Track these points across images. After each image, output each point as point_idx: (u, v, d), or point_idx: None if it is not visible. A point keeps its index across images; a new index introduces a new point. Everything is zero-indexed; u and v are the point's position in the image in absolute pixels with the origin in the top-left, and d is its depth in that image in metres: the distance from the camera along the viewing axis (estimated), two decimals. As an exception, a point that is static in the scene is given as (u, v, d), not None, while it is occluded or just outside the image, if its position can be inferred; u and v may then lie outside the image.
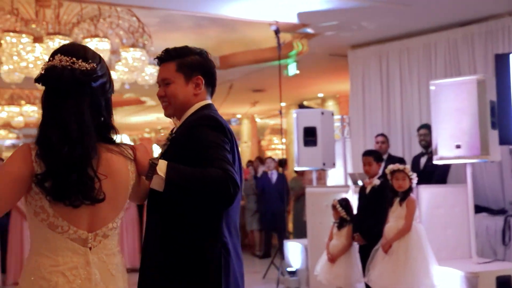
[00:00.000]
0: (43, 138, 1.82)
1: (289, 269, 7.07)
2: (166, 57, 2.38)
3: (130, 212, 8.23)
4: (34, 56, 7.01)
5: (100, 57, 1.99)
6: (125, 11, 7.46)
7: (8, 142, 20.82)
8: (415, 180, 5.09)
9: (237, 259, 2.27)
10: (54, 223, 1.82)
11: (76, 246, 1.84)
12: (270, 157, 10.26)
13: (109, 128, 1.97)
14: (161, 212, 2.22)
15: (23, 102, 12.21)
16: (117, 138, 2.01)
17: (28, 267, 1.86)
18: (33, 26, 6.84)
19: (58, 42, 6.50)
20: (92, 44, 6.89)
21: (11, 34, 6.50)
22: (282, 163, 10.00)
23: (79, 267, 1.83)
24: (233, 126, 17.03)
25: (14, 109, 12.14)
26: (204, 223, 2.19)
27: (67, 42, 6.59)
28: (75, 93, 1.85)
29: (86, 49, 1.96)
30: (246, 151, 17.45)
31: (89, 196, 1.81)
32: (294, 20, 7.63)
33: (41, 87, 1.91)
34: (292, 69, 9.64)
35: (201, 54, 2.41)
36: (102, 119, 1.94)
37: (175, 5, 7.53)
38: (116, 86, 8.18)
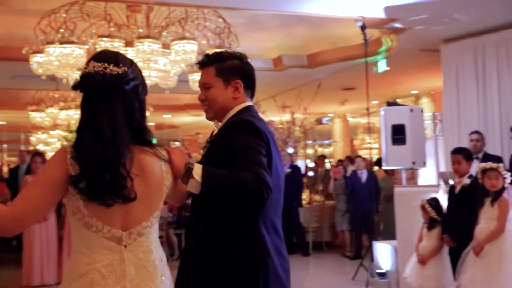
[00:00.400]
0: (77, 141, 1.91)
1: (378, 271, 6.90)
2: (206, 62, 2.44)
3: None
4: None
5: (131, 61, 2.05)
6: (211, 12, 7.62)
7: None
8: (508, 179, 4.80)
9: (278, 256, 2.28)
10: (89, 223, 1.90)
11: (111, 244, 1.91)
12: (359, 156, 10.07)
13: (143, 129, 2.03)
14: (202, 212, 2.28)
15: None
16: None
17: (69, 264, 1.95)
18: (126, 30, 7.14)
19: (147, 45, 6.75)
20: (180, 46, 7.10)
21: (105, 39, 6.82)
22: (379, 162, 9.75)
23: (114, 264, 1.89)
24: (324, 126, 16.92)
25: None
26: (240, 224, 2.23)
27: (156, 45, 6.86)
28: (107, 97, 1.92)
29: (117, 54, 2.02)
30: (337, 150, 17.27)
31: (121, 195, 1.88)
32: (381, 15, 7.44)
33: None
34: (382, 66, 9.40)
35: (241, 58, 2.46)
36: (136, 121, 1.99)
37: (261, 5, 7.59)
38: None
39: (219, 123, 2.44)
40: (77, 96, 13.01)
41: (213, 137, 2.38)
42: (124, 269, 1.89)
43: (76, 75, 8.28)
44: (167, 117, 17.79)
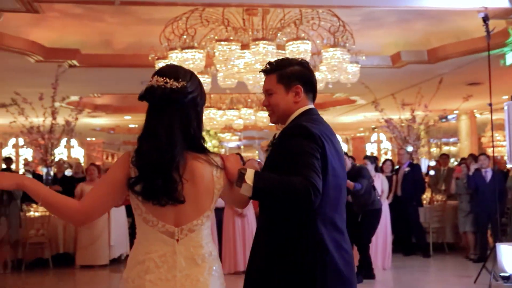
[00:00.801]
0: (138, 146, 2.16)
1: (502, 274, 6.57)
2: (268, 70, 2.58)
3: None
4: (244, 62, 7.62)
5: (191, 75, 2.26)
6: (326, 12, 7.67)
7: (232, 144, 22.63)
8: None
9: (338, 250, 2.40)
10: (147, 218, 2.16)
11: (165, 237, 2.15)
12: (483, 154, 9.57)
13: (199, 138, 2.23)
14: (266, 213, 2.47)
15: (240, 106, 13.22)
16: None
17: (131, 252, 2.24)
18: (242, 33, 7.41)
19: (262, 47, 6.95)
20: (294, 46, 7.23)
21: (222, 43, 7.13)
22: None
23: (167, 255, 2.14)
24: (450, 123, 16.24)
25: (234, 112, 13.18)
26: (298, 223, 2.36)
27: (271, 47, 7.04)
28: (167, 108, 2.16)
29: (178, 69, 2.25)
30: (463, 148, 16.51)
31: (172, 197, 2.12)
32: (506, 4, 7.06)
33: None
34: (510, 58, 8.91)
35: (301, 64, 2.58)
36: (192, 130, 2.20)
37: (377, 1, 7.52)
38: (321, 86, 8.50)
39: (282, 126, 2.56)
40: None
41: (274, 141, 2.52)
42: (175, 260, 2.14)
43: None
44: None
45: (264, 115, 13.86)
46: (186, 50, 7.38)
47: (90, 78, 10.72)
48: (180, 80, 2.18)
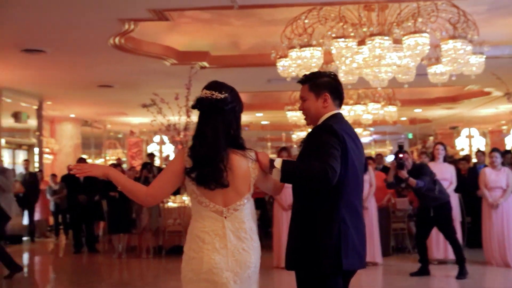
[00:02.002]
0: (192, 143, 2.82)
1: None
2: (302, 80, 3.18)
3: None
4: (362, 57, 7.78)
5: (232, 89, 2.89)
6: (445, 3, 7.57)
7: (365, 140, 22.50)
8: None
9: (355, 231, 2.96)
10: (200, 200, 2.80)
11: (215, 215, 2.78)
12: None
13: (237, 137, 2.86)
14: (299, 200, 3.04)
15: (368, 100, 13.25)
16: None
17: (189, 229, 2.86)
18: (358, 29, 7.57)
19: (378, 42, 7.07)
20: (412, 40, 7.25)
21: (339, 40, 7.35)
22: None
23: (218, 229, 2.76)
24: None
25: (361, 107, 13.25)
26: (325, 207, 2.92)
27: (387, 42, 7.13)
28: (213, 114, 2.81)
29: (221, 84, 2.89)
30: None
31: (219, 182, 2.74)
32: None
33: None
34: None
35: (330, 76, 3.15)
36: (232, 131, 2.83)
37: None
38: (445, 78, 8.39)
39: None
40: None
41: (304, 139, 3.10)
42: (225, 233, 2.76)
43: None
44: (418, 111, 17.65)
45: (392, 110, 13.77)
46: (304, 48, 7.69)
47: (220, 78, 11.16)
48: (223, 92, 2.82)
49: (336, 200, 2.91)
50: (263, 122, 20.23)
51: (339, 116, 3.10)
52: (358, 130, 18.73)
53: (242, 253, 2.76)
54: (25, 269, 10.00)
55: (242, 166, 2.83)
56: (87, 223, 10.91)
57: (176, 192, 11.14)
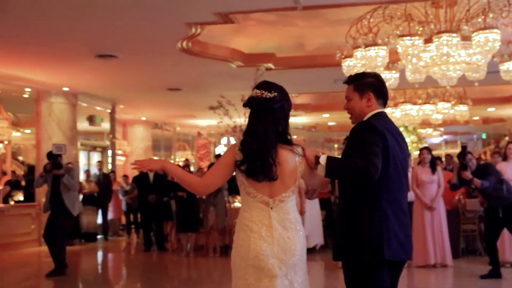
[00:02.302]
0: (243, 139, 3.02)
1: None
2: (347, 81, 3.32)
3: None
4: (430, 55, 7.65)
5: (281, 88, 3.06)
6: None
7: (435, 140, 21.97)
8: None
9: (400, 226, 3.09)
10: (249, 191, 2.98)
11: (262, 206, 2.96)
12: None
13: (286, 134, 3.03)
14: (345, 196, 3.20)
15: (437, 100, 12.96)
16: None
17: (238, 219, 3.05)
18: (425, 27, 7.45)
19: (445, 40, 6.94)
20: (481, 36, 7.07)
21: (404, 38, 7.27)
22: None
23: (264, 219, 2.94)
24: None
25: (430, 107, 12.99)
26: (368, 203, 3.06)
27: (455, 39, 7.00)
28: (262, 112, 2.99)
29: (271, 84, 3.06)
30: None
31: (267, 176, 2.93)
32: None
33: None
34: None
35: (374, 77, 3.29)
36: (280, 128, 3.00)
37: None
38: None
39: None
40: (397, 95, 13.63)
41: (348, 136, 3.25)
42: (271, 223, 2.94)
43: (383, 75, 8.95)
44: (492, 110, 17.06)
45: (463, 109, 13.41)
46: (369, 48, 7.66)
47: (286, 79, 11.46)
48: (272, 92, 2.99)
49: (378, 195, 3.06)
50: (330, 123, 20.15)
51: (382, 115, 3.23)
52: (427, 131, 18.35)
53: (287, 241, 2.92)
54: (99, 266, 10.46)
55: (290, 160, 2.99)
56: (157, 222, 11.25)
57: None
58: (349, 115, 3.32)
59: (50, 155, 8.36)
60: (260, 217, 2.94)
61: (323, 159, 2.98)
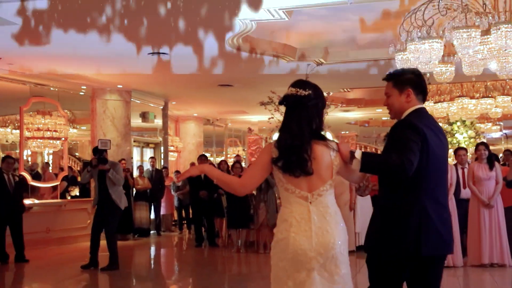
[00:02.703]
0: (279, 135, 3.11)
1: None
2: (387, 78, 3.42)
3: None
4: (488, 47, 7.41)
5: (315, 86, 3.14)
6: None
7: (495, 135, 21.31)
8: None
9: (439, 218, 3.18)
10: (287, 187, 3.05)
11: (301, 201, 3.03)
12: None
13: (320, 130, 3.12)
14: (383, 189, 3.28)
15: (496, 93, 12.56)
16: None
17: (279, 214, 3.14)
18: (483, 18, 7.20)
19: (504, 31, 6.69)
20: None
21: (461, 30, 7.05)
22: None
23: (304, 214, 3.01)
24: None
25: (489, 100, 12.59)
26: (407, 197, 3.16)
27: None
28: (297, 109, 3.07)
29: (305, 83, 3.15)
30: None
31: (304, 170, 3.00)
32: None
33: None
34: None
35: (413, 73, 3.38)
36: (315, 125, 3.08)
37: None
38: None
39: None
40: (454, 88, 13.32)
41: (388, 133, 3.32)
42: (310, 217, 3.00)
43: (438, 68, 8.73)
44: None
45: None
46: (424, 41, 7.47)
47: (338, 74, 11.40)
48: (307, 90, 3.08)
49: (417, 191, 3.15)
50: (384, 118, 19.85)
51: (422, 111, 3.32)
52: (486, 125, 17.81)
53: (325, 235, 2.99)
54: (152, 260, 10.67)
55: (325, 155, 3.07)
56: (208, 218, 11.38)
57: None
58: (389, 111, 3.42)
59: (96, 150, 8.61)
60: (299, 212, 3.01)
61: (358, 154, 3.07)
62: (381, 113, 18.49)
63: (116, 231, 8.67)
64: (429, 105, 13.26)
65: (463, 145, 13.67)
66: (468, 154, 9.57)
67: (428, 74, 9.19)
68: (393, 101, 3.34)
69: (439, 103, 13.03)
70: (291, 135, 3.03)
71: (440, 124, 16.00)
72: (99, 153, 8.51)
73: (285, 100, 3.12)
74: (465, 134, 15.30)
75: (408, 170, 3.01)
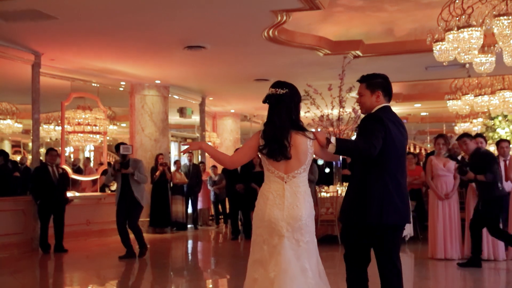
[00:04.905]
0: (264, 127, 3.76)
1: None
2: (360, 80, 4.07)
3: None
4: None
5: (291, 85, 3.79)
6: None
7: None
8: None
9: (397, 194, 3.89)
10: (269, 168, 3.75)
11: (279, 180, 3.71)
12: None
13: (298, 121, 3.75)
14: (354, 171, 4.05)
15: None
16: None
17: (260, 189, 3.81)
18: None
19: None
20: None
21: (501, 18, 6.88)
22: None
23: (280, 191, 3.69)
24: None
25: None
26: (373, 176, 3.87)
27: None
28: (277, 105, 3.74)
29: (283, 83, 3.80)
30: None
31: (284, 156, 3.67)
32: None
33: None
34: None
35: (383, 78, 4.05)
36: (294, 117, 3.72)
37: None
38: None
39: None
40: (495, 81, 12.98)
41: (359, 125, 4.00)
42: (284, 193, 3.68)
43: (478, 59, 8.53)
44: None
45: None
46: (462, 30, 7.31)
47: (375, 67, 11.22)
48: (284, 88, 3.76)
49: (380, 170, 3.85)
50: (423, 114, 19.52)
51: (387, 108, 4.00)
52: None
53: (295, 209, 3.66)
54: (189, 253, 10.76)
55: (302, 143, 3.70)
56: (244, 211, 11.40)
57: (330, 183, 11.23)
58: (360, 107, 4.09)
59: (117, 147, 8.90)
60: (276, 189, 3.69)
61: (333, 140, 3.70)
62: (420, 108, 18.19)
63: (136, 224, 8.97)
64: (469, 99, 12.99)
65: (505, 139, 13.31)
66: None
67: (467, 65, 9.01)
68: (365, 100, 3.99)
69: (479, 97, 12.72)
70: (274, 127, 3.69)
71: (481, 119, 15.74)
72: (122, 157, 8.77)
73: (268, 99, 3.77)
74: (507, 129, 14.91)
75: (373, 152, 3.72)
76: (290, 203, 3.64)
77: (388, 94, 4.02)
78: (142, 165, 9.08)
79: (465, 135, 8.04)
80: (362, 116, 4.09)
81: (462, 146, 7.78)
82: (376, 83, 3.97)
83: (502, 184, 7.53)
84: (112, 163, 8.97)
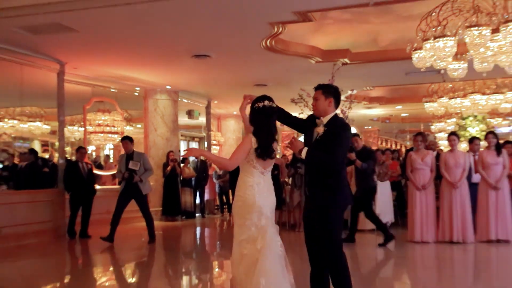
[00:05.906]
0: (260, 135, 3.97)
1: None
2: (317, 87, 4.20)
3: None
4: (497, 45, 7.19)
5: (271, 100, 4.03)
6: None
7: (505, 129, 20.67)
8: None
9: (346, 188, 4.24)
10: (255, 166, 3.99)
11: (260, 174, 4.01)
12: None
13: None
14: (311, 171, 4.23)
15: (506, 89, 12.20)
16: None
17: (242, 181, 4.02)
18: (493, 18, 7.00)
19: (511, 28, 6.48)
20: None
21: (472, 28, 6.87)
22: None
23: (261, 182, 4.00)
24: None
25: (499, 96, 12.24)
26: (332, 174, 4.08)
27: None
28: (266, 115, 4.00)
29: (268, 97, 4.04)
30: None
31: (271, 156, 4.01)
32: None
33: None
34: None
35: (335, 89, 4.19)
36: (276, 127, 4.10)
37: None
38: None
39: (321, 118, 4.16)
40: (467, 86, 12.94)
41: (326, 128, 4.07)
42: (264, 184, 4.01)
43: (452, 65, 8.52)
44: None
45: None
46: (438, 39, 7.30)
47: (360, 73, 11.25)
48: (270, 102, 4.02)
49: (340, 169, 4.11)
50: (403, 114, 19.51)
51: (338, 115, 4.22)
52: (497, 120, 17.27)
53: (272, 196, 4.06)
54: (197, 238, 10.74)
55: (276, 148, 4.11)
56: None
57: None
58: (314, 110, 4.19)
59: (124, 139, 9.05)
60: (258, 181, 3.99)
61: (304, 151, 4.01)
62: (401, 110, 18.18)
63: (147, 209, 8.99)
64: (444, 101, 12.98)
65: (475, 138, 13.30)
66: (481, 143, 9.33)
67: (442, 71, 8.99)
68: (320, 104, 4.12)
69: (453, 99, 12.72)
70: (269, 134, 4.00)
71: (454, 119, 15.73)
72: (130, 171, 8.80)
73: (266, 111, 3.99)
74: (477, 128, 14.89)
75: (335, 166, 4.03)
76: (267, 191, 4.02)
77: (338, 103, 4.19)
78: (146, 157, 9.14)
79: (420, 133, 8.61)
80: (331, 115, 4.13)
81: (354, 143, 8.34)
82: (330, 92, 4.12)
83: (375, 178, 8.61)
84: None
